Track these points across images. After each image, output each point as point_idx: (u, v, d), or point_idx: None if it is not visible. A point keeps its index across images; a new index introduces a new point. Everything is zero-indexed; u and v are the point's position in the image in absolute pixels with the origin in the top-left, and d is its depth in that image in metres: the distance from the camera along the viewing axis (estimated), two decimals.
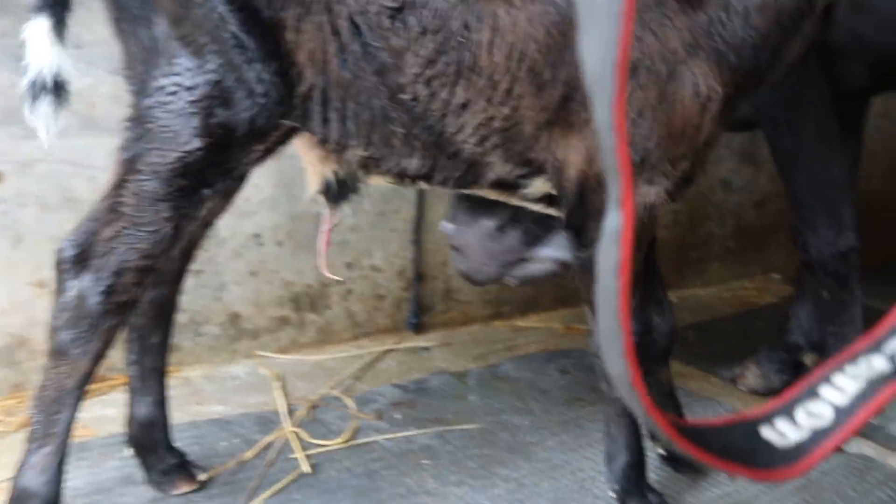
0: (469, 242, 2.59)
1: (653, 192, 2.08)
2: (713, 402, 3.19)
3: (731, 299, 4.66)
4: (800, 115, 2.67)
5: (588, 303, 2.19)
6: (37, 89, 1.88)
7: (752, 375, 3.32)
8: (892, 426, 2.92)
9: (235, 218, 3.28)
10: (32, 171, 2.96)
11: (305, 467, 2.59)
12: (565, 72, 1.97)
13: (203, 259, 3.25)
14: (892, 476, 2.67)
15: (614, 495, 2.34)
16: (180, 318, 3.27)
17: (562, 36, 1.95)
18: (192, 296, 3.30)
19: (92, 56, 2.90)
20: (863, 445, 2.84)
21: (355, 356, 3.54)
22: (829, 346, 2.93)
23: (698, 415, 3.06)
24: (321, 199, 2.17)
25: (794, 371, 3.26)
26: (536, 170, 2.13)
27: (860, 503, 2.51)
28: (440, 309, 3.89)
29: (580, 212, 2.12)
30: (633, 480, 2.33)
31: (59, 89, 1.90)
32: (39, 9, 1.89)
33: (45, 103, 1.88)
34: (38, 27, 1.88)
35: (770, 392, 3.27)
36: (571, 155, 2.05)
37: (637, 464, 2.34)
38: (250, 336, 3.48)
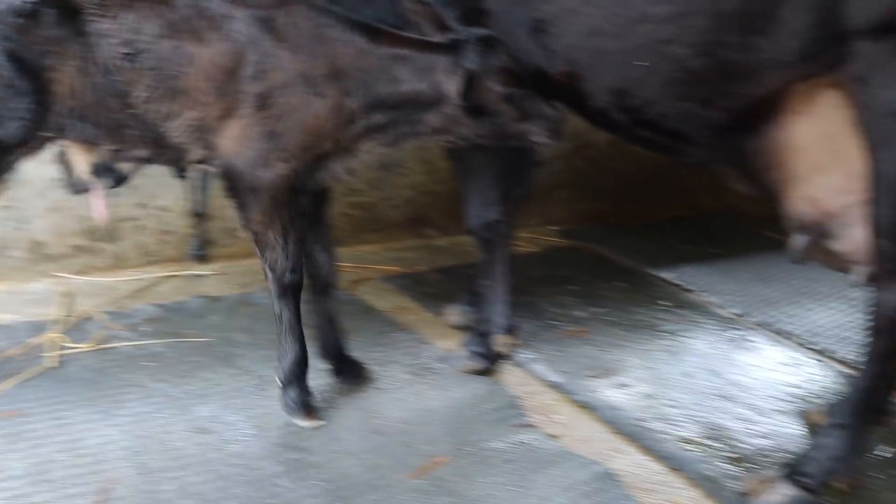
0: None
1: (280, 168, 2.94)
2: (411, 332, 4.05)
3: None
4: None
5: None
6: None
7: (453, 313, 4.20)
8: None
9: (39, 164, 3.98)
10: None
11: (51, 363, 3.41)
12: (234, 87, 2.84)
13: (9, 196, 3.98)
14: None
15: (280, 385, 3.16)
16: None
17: (232, 63, 2.82)
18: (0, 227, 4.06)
19: None
20: None
21: (140, 280, 4.34)
22: (481, 296, 3.83)
23: (395, 340, 3.92)
24: (90, 177, 3.07)
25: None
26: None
27: None
28: (224, 244, 4.67)
29: (230, 177, 2.97)
30: (295, 375, 3.17)
31: None
32: None
33: None
34: None
35: (464, 327, 4.16)
36: (227, 137, 2.91)
37: (300, 363, 3.16)
38: (51, 260, 4.24)
